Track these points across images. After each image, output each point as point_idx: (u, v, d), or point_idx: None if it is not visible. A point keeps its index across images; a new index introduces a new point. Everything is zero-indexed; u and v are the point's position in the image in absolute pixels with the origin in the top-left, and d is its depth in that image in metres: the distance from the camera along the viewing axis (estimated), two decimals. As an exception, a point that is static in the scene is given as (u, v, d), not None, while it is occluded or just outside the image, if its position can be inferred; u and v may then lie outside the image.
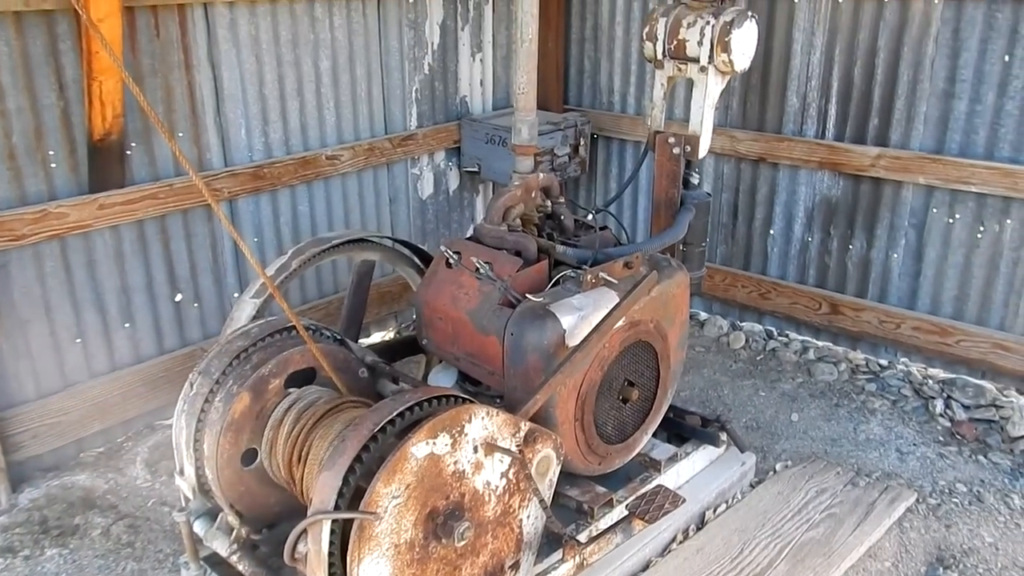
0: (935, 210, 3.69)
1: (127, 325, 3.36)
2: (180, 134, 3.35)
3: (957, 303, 3.73)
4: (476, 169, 4.42)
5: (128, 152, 3.20)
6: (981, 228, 3.59)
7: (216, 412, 2.21)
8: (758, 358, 4.23)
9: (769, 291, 4.25)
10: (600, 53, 4.62)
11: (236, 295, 3.56)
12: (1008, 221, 3.51)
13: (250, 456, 2.28)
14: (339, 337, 2.48)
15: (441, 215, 4.52)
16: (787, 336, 4.35)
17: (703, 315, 4.61)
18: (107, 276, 3.26)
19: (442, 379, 2.79)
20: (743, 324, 4.47)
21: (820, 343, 4.23)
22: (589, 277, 2.52)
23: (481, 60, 4.51)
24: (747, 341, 4.34)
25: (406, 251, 3.11)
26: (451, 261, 2.68)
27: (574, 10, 4.65)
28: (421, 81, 4.24)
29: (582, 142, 4.49)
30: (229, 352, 2.27)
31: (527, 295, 2.51)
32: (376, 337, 4.23)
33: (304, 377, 2.34)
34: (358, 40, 3.88)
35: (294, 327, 2.27)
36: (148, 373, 3.40)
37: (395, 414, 1.89)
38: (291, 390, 2.30)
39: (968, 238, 3.63)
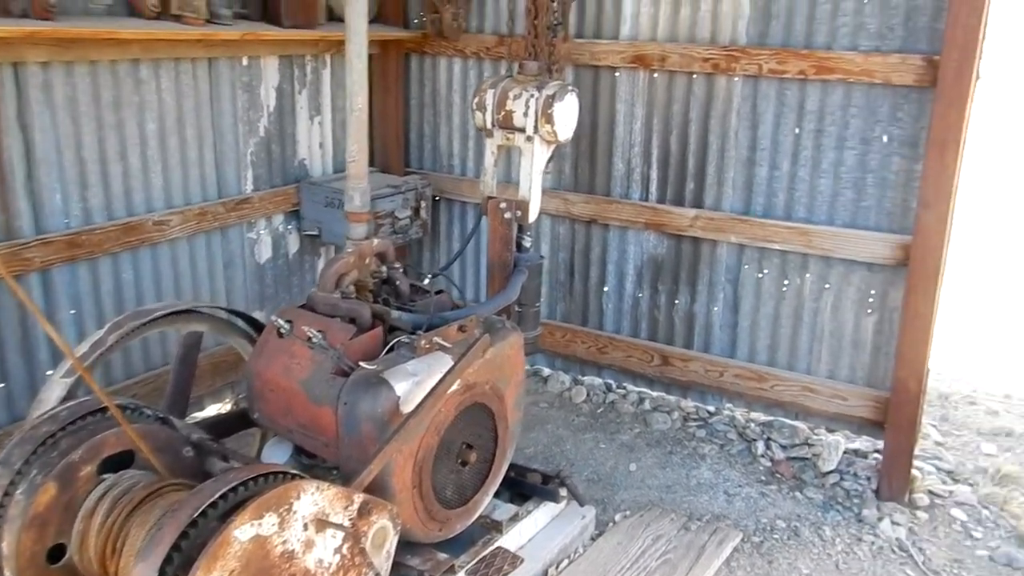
0: (747, 266, 3.99)
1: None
2: (-14, 200, 3.16)
3: (770, 351, 4.02)
4: (316, 233, 4.39)
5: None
6: (786, 282, 3.91)
7: (17, 507, 2.03)
8: (599, 411, 4.39)
9: (606, 345, 4.42)
10: (439, 118, 4.74)
11: (49, 373, 3.36)
12: (807, 275, 3.85)
13: (58, 552, 2.12)
14: (161, 415, 2.39)
15: (280, 280, 4.45)
16: (625, 388, 4.54)
17: (546, 371, 4.74)
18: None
19: (276, 454, 2.73)
20: (584, 378, 4.62)
21: (655, 393, 4.44)
22: (423, 342, 2.56)
23: (320, 123, 4.51)
24: (588, 395, 4.50)
25: (238, 321, 3.05)
26: (282, 331, 2.66)
27: (413, 76, 4.76)
28: (257, 144, 4.20)
29: (423, 204, 4.56)
30: (33, 439, 2.12)
31: (361, 363, 2.52)
32: (211, 410, 4.08)
33: (121, 461, 2.21)
34: (188, 102, 3.81)
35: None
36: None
37: (217, 496, 1.84)
38: (106, 476, 2.15)
39: (776, 291, 3.94)
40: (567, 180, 4.38)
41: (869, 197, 3.69)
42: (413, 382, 2.46)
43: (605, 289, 4.42)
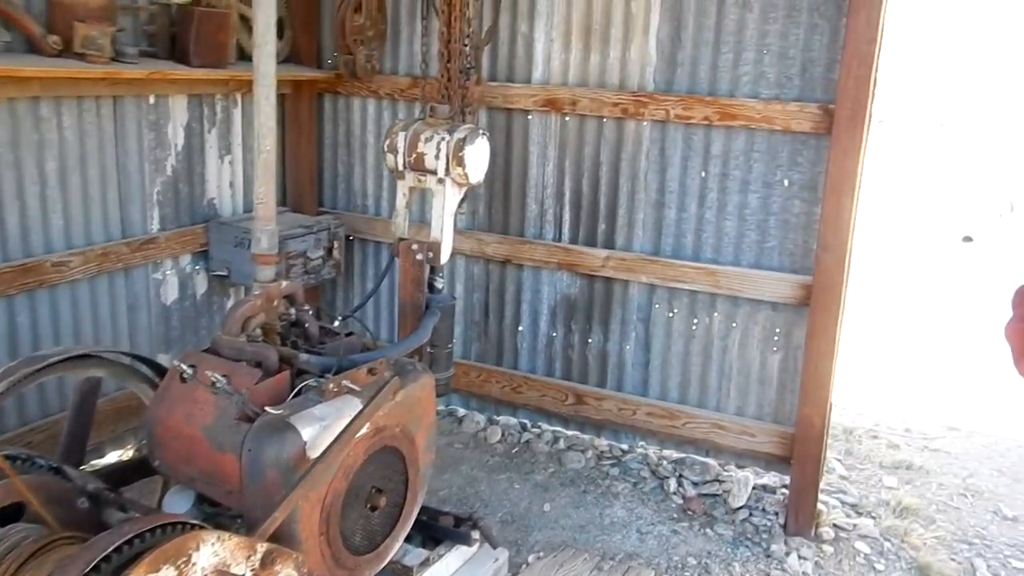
0: (657, 305, 4.07)
1: None
2: None
3: (681, 388, 4.10)
4: (226, 273, 4.30)
5: None
6: (695, 321, 4.00)
7: (-101, 563, 1.94)
8: (514, 451, 4.39)
9: (521, 385, 4.43)
10: (353, 158, 4.73)
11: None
12: (716, 314, 3.95)
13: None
14: (55, 465, 2.29)
15: (188, 321, 4.33)
16: (540, 427, 4.55)
17: (461, 411, 4.72)
18: None
19: (177, 503, 2.64)
20: (499, 418, 4.62)
21: (569, 432, 4.46)
22: (331, 386, 2.52)
23: (230, 162, 4.45)
24: (503, 435, 4.49)
25: (140, 365, 2.95)
26: (185, 376, 2.58)
27: (327, 116, 4.74)
28: (164, 183, 4.11)
29: (336, 245, 4.52)
30: (-82, 491, 2.02)
31: (266, 408, 2.46)
32: (112, 457, 3.92)
33: (11, 515, 2.12)
34: (91, 141, 3.71)
35: None
36: None
37: (111, 549, 1.77)
38: (-6, 530, 2.07)
39: (686, 330, 4.03)
40: (481, 220, 4.42)
41: (772, 239, 3.82)
42: (320, 426, 2.42)
43: (520, 329, 4.44)
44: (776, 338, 3.87)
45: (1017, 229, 12.63)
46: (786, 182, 3.75)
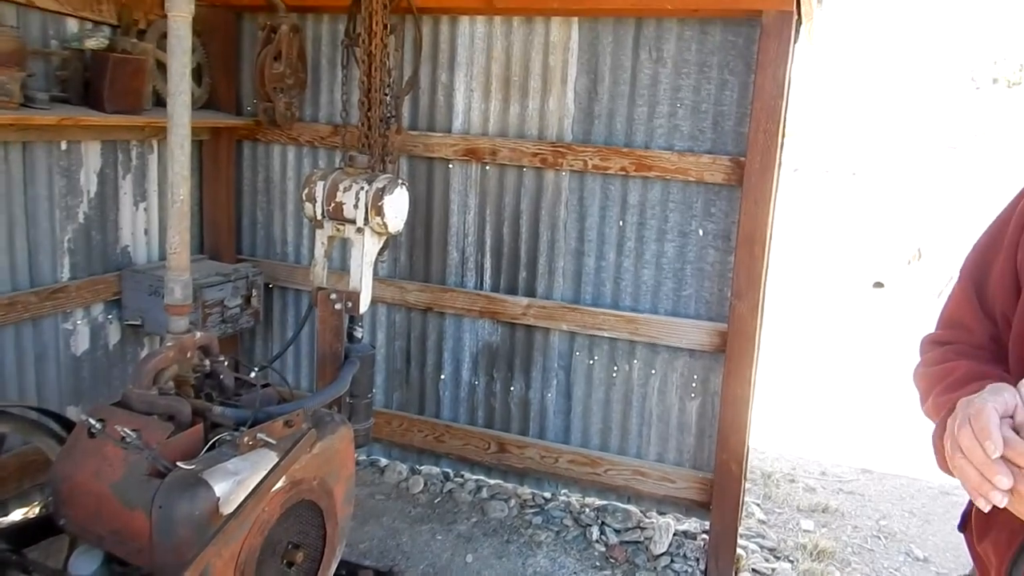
0: (578, 353, 4.11)
1: None
2: None
3: (603, 436, 4.14)
4: (139, 323, 4.18)
5: None
6: (615, 368, 4.05)
7: None
8: (436, 500, 4.33)
9: (444, 434, 4.40)
10: (273, 205, 4.69)
11: None
12: (635, 361, 4.01)
13: None
14: (-53, 528, 2.17)
15: (99, 373, 4.18)
16: (463, 476, 4.51)
17: (383, 461, 4.65)
18: None
19: (85, 563, 2.52)
20: (422, 467, 4.57)
21: (492, 481, 4.43)
22: (246, 439, 2.46)
23: (146, 209, 4.35)
24: (426, 484, 4.44)
25: (47, 420, 2.84)
26: (94, 430, 2.49)
27: (246, 163, 4.70)
28: (75, 230, 3.99)
29: (255, 293, 4.45)
30: None
31: (178, 463, 2.39)
32: (17, 515, 3.73)
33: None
34: (-3, 187, 3.60)
35: None
36: None
37: (5, 617, 1.68)
38: None
39: (606, 377, 4.08)
40: (403, 268, 4.41)
41: (689, 287, 3.92)
42: (234, 481, 2.35)
43: (442, 377, 4.43)
44: (694, 384, 3.95)
45: (924, 275, 13.21)
46: (701, 231, 3.86)
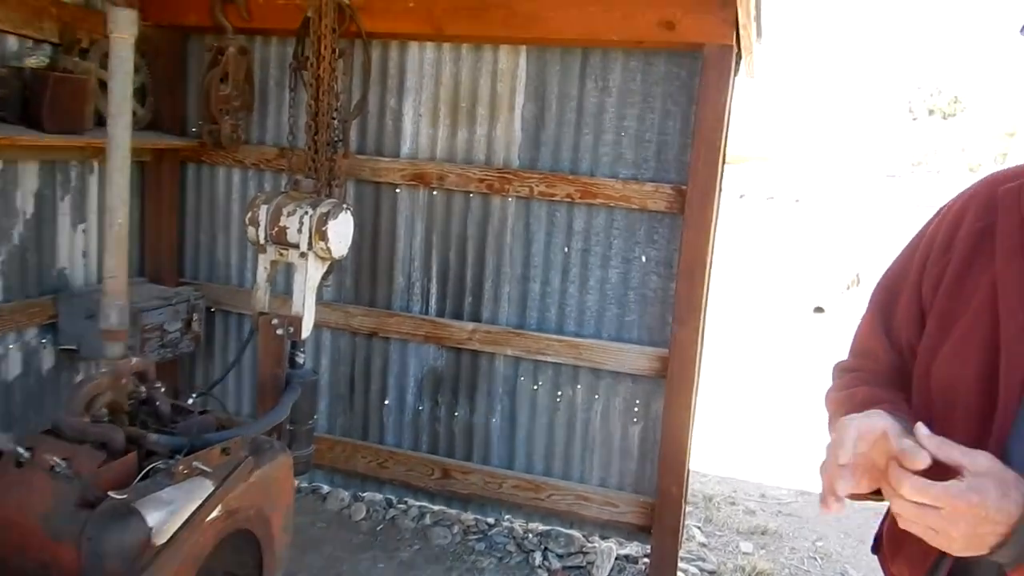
0: (523, 378, 4.13)
1: None
2: None
3: (546, 461, 4.15)
4: (75, 347, 4.08)
5: None
6: (559, 393, 4.08)
7: None
8: (379, 528, 4.29)
9: (387, 459, 4.37)
10: (217, 228, 4.63)
11: None
12: (579, 386, 4.04)
13: None
14: None
15: (32, 399, 4.07)
16: (406, 503, 4.48)
17: (325, 488, 4.59)
18: None
19: (7, 597, 2.45)
20: (365, 494, 4.52)
21: (436, 507, 4.41)
22: (181, 467, 2.42)
23: (84, 231, 4.26)
24: (368, 511, 4.39)
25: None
26: (21, 459, 2.42)
27: (190, 185, 4.64)
28: (9, 252, 3.89)
29: (196, 317, 4.38)
30: None
31: (110, 492, 2.33)
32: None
33: None
34: (-73, 207, 3.50)
35: None
36: None
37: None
38: None
39: (550, 402, 4.10)
40: (348, 293, 4.39)
41: (632, 312, 3.97)
42: (168, 511, 2.31)
43: (386, 402, 4.40)
44: (636, 409, 3.99)
45: (863, 300, 13.53)
46: (644, 258, 3.92)
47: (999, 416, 1.18)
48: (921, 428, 1.09)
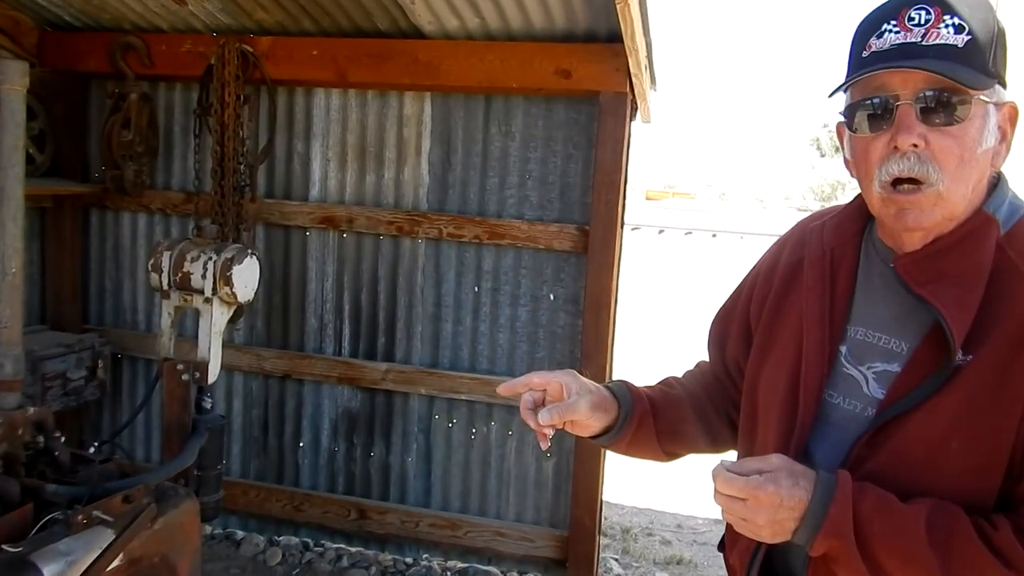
0: (437, 416, 4.17)
1: None
2: None
3: (463, 498, 4.18)
4: (-28, 398, 3.96)
5: None
6: (474, 430, 4.13)
7: None
8: (295, 572, 4.24)
9: (303, 502, 4.34)
10: (123, 273, 4.56)
11: None
12: (493, 423, 4.10)
13: None
14: None
15: (-77, 453, 3.91)
16: (323, 546, 4.43)
17: (240, 533, 4.52)
18: None
19: None
20: (280, 538, 4.46)
21: (353, 549, 4.38)
22: (80, 517, 2.39)
23: (-18, 279, 4.16)
24: (284, 556, 4.33)
25: None
26: (-92, 516, 2.35)
27: (93, 231, 4.57)
28: (-99, 302, 3.77)
29: (101, 364, 4.29)
30: None
31: (3, 545, 2.29)
32: None
33: None
34: None
35: None
36: None
37: None
38: None
39: (465, 439, 4.15)
40: (260, 336, 4.37)
41: (542, 349, 4.06)
42: (66, 562, 2.27)
43: (301, 444, 4.38)
44: (550, 444, 4.05)
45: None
46: (552, 296, 4.02)
47: (799, 421, 1.35)
48: (722, 463, 1.25)
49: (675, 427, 1.60)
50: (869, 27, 1.24)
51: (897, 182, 1.21)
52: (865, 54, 1.23)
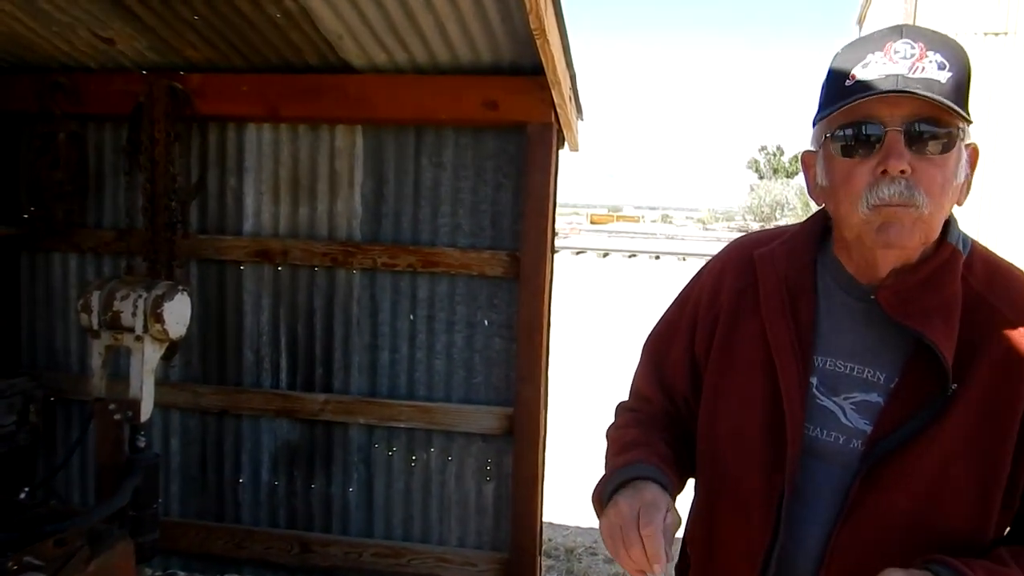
0: (377, 445, 4.20)
1: None
2: None
3: (405, 525, 4.20)
4: None
5: None
6: (414, 458, 4.16)
7: None
8: (238, 610, 4.20)
9: (244, 539, 4.31)
10: (55, 315, 4.50)
11: None
12: (432, 449, 4.14)
13: None
14: None
15: None
16: (266, 582, 4.41)
17: (181, 574, 4.46)
18: None
19: None
20: (223, 577, 4.43)
21: (297, 583, 4.36)
22: (10, 563, 2.37)
23: (-94, 324, 4.08)
24: (227, 594, 4.30)
25: None
26: None
27: (24, 273, 4.51)
28: None
29: (33, 408, 4.23)
30: None
31: (-70, 596, 2.26)
32: None
33: None
34: None
35: None
36: None
37: None
38: None
39: (405, 467, 4.18)
40: (196, 372, 4.35)
41: (479, 374, 4.12)
42: (-5, 609, 2.26)
43: (240, 480, 4.35)
44: (489, 467, 4.12)
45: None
46: (486, 322, 4.10)
47: (789, 458, 1.32)
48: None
49: (683, 478, 1.53)
50: (852, 57, 1.26)
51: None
52: (849, 83, 1.24)
